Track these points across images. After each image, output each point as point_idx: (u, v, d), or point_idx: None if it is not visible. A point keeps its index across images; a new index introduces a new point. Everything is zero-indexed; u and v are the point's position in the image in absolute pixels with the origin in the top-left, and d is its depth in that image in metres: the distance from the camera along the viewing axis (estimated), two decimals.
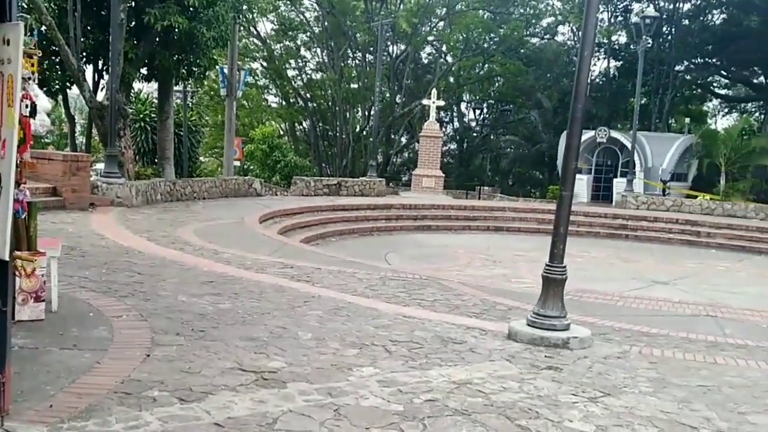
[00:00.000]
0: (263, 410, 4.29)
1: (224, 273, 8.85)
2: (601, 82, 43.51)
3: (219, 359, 5.25)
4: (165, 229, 12.68)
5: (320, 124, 45.15)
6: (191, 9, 18.26)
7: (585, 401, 4.97)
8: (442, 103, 30.77)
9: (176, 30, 18.25)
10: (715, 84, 45.88)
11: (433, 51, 46.31)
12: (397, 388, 4.90)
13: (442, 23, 42.88)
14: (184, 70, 20.90)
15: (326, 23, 41.51)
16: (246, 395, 4.53)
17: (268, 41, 42.95)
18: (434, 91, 29.19)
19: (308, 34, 43.51)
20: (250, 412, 4.25)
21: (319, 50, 44.41)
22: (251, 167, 35.47)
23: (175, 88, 24.30)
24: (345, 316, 7.06)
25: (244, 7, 21.51)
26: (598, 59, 43.49)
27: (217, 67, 25.45)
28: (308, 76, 45.37)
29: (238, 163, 31.91)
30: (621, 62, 42.75)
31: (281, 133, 45.54)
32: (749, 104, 46.64)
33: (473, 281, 11.02)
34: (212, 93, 38.99)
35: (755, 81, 42.44)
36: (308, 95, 44.51)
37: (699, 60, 41.66)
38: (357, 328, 6.58)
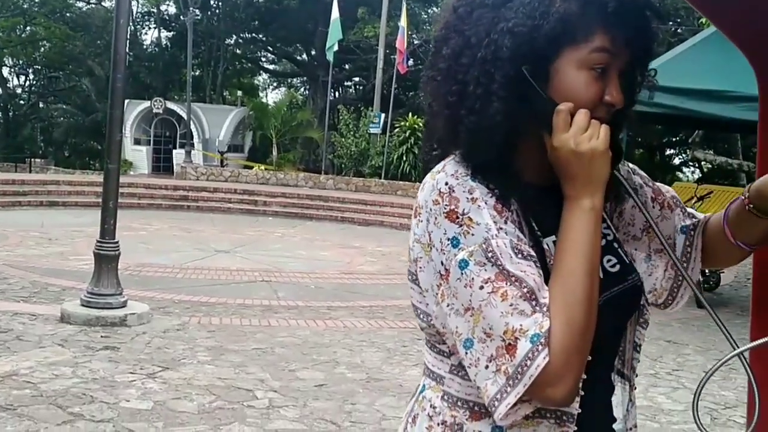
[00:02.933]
0: None
1: None
2: (154, 52, 42.94)
3: None
4: None
5: None
6: None
7: (143, 378, 4.89)
8: None
9: None
10: (263, 59, 48.17)
11: None
12: None
13: None
14: None
15: None
16: None
17: None
18: None
19: None
20: None
21: None
22: None
23: None
24: None
25: None
26: (149, 28, 42.86)
27: None
28: None
29: None
30: (173, 33, 42.55)
31: None
32: (295, 79, 49.97)
33: (25, 262, 10.15)
34: None
35: (299, 58, 45.54)
36: None
37: (247, 35, 43.31)
38: None
